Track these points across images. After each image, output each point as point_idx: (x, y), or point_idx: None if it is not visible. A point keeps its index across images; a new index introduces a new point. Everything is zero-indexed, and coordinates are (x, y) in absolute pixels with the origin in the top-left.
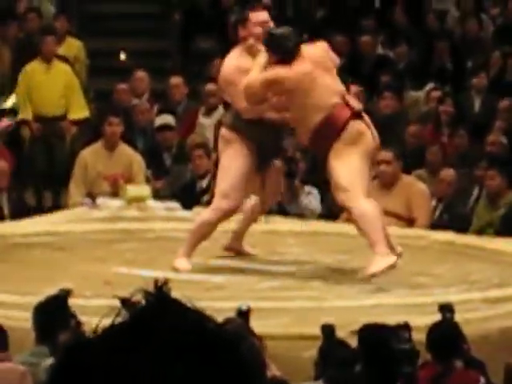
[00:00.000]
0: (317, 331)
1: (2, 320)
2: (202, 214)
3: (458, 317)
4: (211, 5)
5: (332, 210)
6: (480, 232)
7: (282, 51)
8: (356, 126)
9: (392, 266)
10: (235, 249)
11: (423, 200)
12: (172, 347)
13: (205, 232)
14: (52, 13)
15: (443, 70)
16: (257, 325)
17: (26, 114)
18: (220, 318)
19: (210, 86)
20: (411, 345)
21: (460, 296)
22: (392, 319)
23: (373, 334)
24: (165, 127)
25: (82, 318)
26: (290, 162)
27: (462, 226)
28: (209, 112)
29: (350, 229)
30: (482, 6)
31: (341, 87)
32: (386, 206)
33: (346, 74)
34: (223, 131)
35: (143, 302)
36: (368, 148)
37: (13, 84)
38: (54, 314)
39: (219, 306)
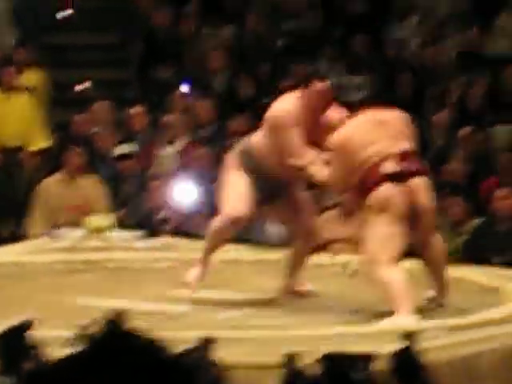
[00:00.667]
0: (278, 360)
1: None
2: (212, 223)
3: (420, 345)
4: (169, 34)
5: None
6: None
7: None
8: (383, 190)
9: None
10: (291, 290)
11: None
12: (128, 378)
13: (217, 242)
14: (12, 44)
15: (403, 98)
16: (218, 354)
17: None
18: (181, 348)
19: (170, 117)
20: (369, 374)
21: (421, 324)
22: (355, 348)
23: (333, 363)
24: (124, 157)
25: (44, 349)
26: None
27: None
28: (169, 142)
29: (313, 257)
30: (441, 35)
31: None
32: (350, 234)
33: None
34: (234, 157)
35: (101, 332)
36: (395, 212)
37: None
38: (16, 345)
39: (180, 336)
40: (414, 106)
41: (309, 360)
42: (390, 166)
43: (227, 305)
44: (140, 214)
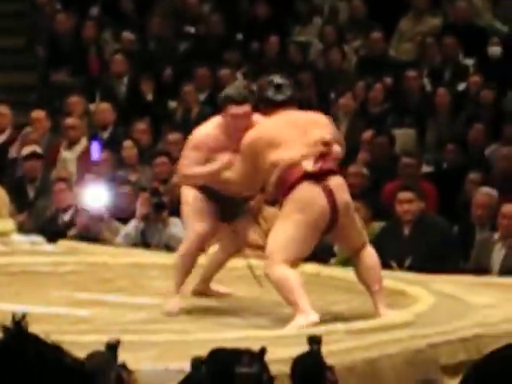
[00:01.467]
0: (182, 364)
1: None
2: (180, 247)
3: (323, 348)
4: (73, 37)
5: None
6: (344, 263)
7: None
8: (304, 189)
9: (313, 324)
10: (203, 292)
11: None
12: (31, 380)
13: (187, 264)
14: None
15: (307, 100)
16: (121, 358)
17: None
18: (86, 352)
19: (70, 120)
20: (256, 369)
21: (324, 327)
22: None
23: (217, 357)
24: (33, 155)
25: None
26: (157, 195)
27: (324, 257)
28: (70, 146)
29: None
30: (344, 38)
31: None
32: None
33: (210, 107)
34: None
35: (2, 335)
36: (314, 217)
37: None
38: None
39: (85, 340)
40: (317, 109)
41: None
42: (308, 165)
43: (131, 308)
44: (42, 218)
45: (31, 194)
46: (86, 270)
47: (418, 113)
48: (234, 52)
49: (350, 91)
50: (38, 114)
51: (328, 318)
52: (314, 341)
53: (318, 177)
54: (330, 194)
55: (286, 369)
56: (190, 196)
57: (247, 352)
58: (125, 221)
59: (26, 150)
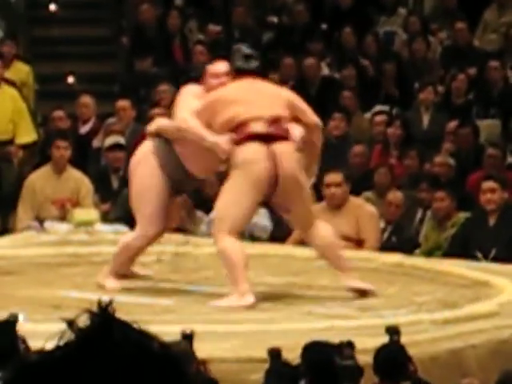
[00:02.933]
0: (265, 354)
1: None
2: (127, 236)
3: (407, 338)
4: (157, 27)
5: (282, 232)
6: (428, 254)
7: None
8: (250, 148)
9: (247, 307)
10: (124, 273)
11: (372, 222)
12: (117, 367)
13: (131, 256)
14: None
15: (391, 91)
16: (205, 348)
17: None
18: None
19: (157, 110)
20: (354, 362)
21: (409, 317)
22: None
23: (316, 350)
24: (116, 146)
25: (32, 343)
26: None
27: (409, 248)
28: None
29: (299, 251)
30: (429, 29)
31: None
32: (335, 228)
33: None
34: (145, 148)
35: (89, 323)
36: (255, 179)
37: None
38: (3, 339)
39: (168, 330)
40: (402, 100)
41: (296, 353)
42: (257, 127)
43: (215, 298)
44: (126, 208)
45: (115, 183)
46: (170, 259)
47: (501, 104)
48: (317, 42)
49: (434, 82)
50: (123, 103)
51: (412, 308)
52: (393, 331)
53: (265, 139)
54: (273, 157)
55: (369, 359)
56: (151, 185)
57: (346, 345)
58: (208, 210)
59: (109, 141)
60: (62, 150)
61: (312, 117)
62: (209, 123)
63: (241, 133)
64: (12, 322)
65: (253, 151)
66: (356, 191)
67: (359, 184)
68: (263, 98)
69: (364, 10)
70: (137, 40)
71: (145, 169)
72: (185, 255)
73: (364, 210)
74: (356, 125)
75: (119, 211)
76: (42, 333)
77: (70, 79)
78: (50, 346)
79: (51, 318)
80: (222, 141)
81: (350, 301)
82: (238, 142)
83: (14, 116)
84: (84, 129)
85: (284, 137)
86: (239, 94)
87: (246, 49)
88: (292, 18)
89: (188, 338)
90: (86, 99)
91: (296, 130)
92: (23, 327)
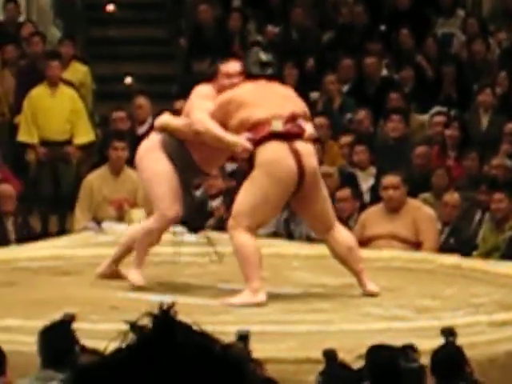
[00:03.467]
0: (319, 355)
1: (7, 344)
2: (145, 223)
3: (465, 340)
4: (216, 28)
5: None
6: (486, 255)
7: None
8: (273, 147)
9: (258, 305)
10: (112, 275)
11: (430, 224)
12: (179, 370)
13: (152, 241)
14: (58, 37)
15: (449, 92)
16: (262, 348)
17: (32, 139)
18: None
19: None
20: (419, 364)
21: (466, 319)
22: (399, 343)
23: (380, 353)
24: None
25: (89, 343)
26: None
27: (467, 250)
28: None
29: None
30: (487, 30)
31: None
32: (393, 230)
33: (353, 96)
34: (151, 138)
35: (150, 325)
36: (282, 177)
37: (17, 109)
38: (59, 339)
39: (226, 330)
40: (460, 101)
41: (353, 355)
42: (277, 125)
43: (272, 299)
44: (186, 207)
45: None
46: (228, 260)
47: None
48: (376, 43)
49: (492, 83)
50: (181, 104)
51: (469, 310)
52: (449, 333)
53: (285, 137)
54: (296, 154)
55: (426, 361)
56: (161, 170)
57: (409, 348)
58: None
59: None
60: (120, 150)
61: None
62: (223, 123)
63: (259, 132)
64: (67, 321)
65: (277, 149)
66: (415, 193)
67: (419, 185)
68: (277, 98)
69: (422, 12)
70: (195, 41)
71: (152, 158)
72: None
73: (422, 212)
74: (414, 126)
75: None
76: (99, 333)
77: (128, 80)
78: (108, 346)
79: (108, 319)
80: (243, 140)
81: (407, 302)
82: (257, 141)
83: (72, 116)
84: (141, 130)
85: (301, 134)
86: (254, 95)
87: (264, 55)
88: (351, 19)
89: (243, 338)
90: (142, 100)
91: (308, 127)
92: (80, 326)
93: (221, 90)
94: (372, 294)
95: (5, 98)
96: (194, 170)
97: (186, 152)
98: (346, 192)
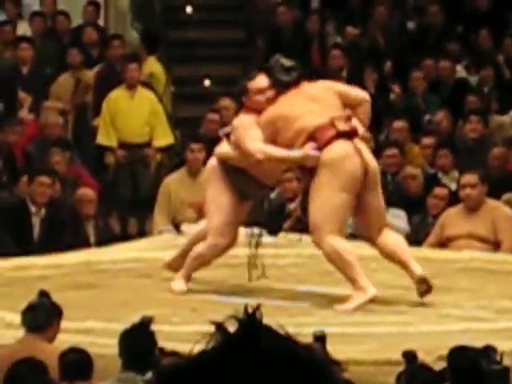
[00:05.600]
0: (399, 357)
1: (88, 347)
2: (201, 245)
3: None
4: (295, 30)
5: (418, 235)
6: None
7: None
8: (339, 146)
9: (370, 300)
10: (177, 267)
11: (509, 224)
12: (265, 373)
13: (202, 263)
14: (137, 40)
15: None
16: (342, 350)
17: (111, 142)
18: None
19: None
20: (502, 365)
21: None
22: (479, 344)
23: (462, 355)
24: None
25: (169, 345)
26: None
27: None
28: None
29: (436, 253)
30: None
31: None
32: (472, 230)
33: (431, 96)
34: (214, 162)
35: (236, 327)
36: (350, 175)
37: (96, 112)
38: (140, 341)
39: (304, 332)
40: None
41: (433, 356)
42: (340, 125)
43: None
44: (266, 209)
45: None
46: (306, 262)
47: None
48: (454, 44)
49: None
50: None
51: None
52: None
53: (349, 136)
54: (360, 152)
55: (508, 362)
56: (216, 193)
57: (491, 349)
58: None
59: None
60: (196, 152)
61: (359, 94)
62: (272, 141)
63: (323, 136)
64: (146, 324)
65: (344, 147)
66: (495, 194)
67: (498, 186)
68: (320, 102)
69: (501, 13)
70: (272, 43)
71: (215, 181)
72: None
73: (501, 212)
74: (493, 127)
75: (256, 214)
76: (179, 335)
77: (206, 82)
78: (187, 348)
79: (189, 321)
80: (310, 150)
81: (487, 303)
82: (323, 145)
83: (150, 119)
84: (223, 131)
85: (356, 133)
86: (296, 105)
87: (285, 61)
88: (428, 20)
89: (320, 339)
90: (227, 102)
91: (358, 126)
92: (161, 328)
93: (256, 106)
94: (423, 279)
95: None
96: (257, 186)
97: (246, 173)
98: (443, 191)
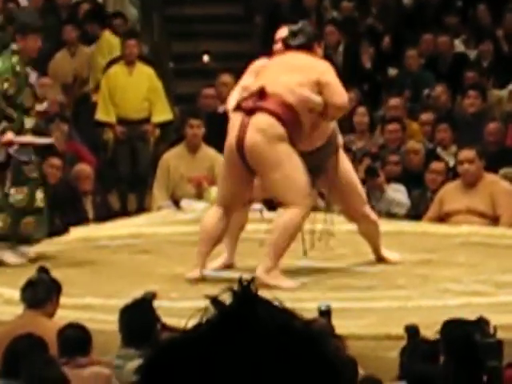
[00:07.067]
0: (402, 331)
1: (88, 323)
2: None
3: None
4: (292, 6)
5: (417, 210)
6: None
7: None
8: (232, 118)
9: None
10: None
11: (507, 198)
12: (260, 344)
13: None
14: (135, 16)
15: None
16: (342, 325)
17: (110, 117)
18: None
19: None
20: (496, 338)
21: None
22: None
23: (456, 328)
24: None
25: (169, 320)
26: (374, 160)
27: None
28: None
29: (435, 228)
30: None
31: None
32: (470, 205)
33: (429, 71)
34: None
35: (231, 300)
36: (226, 147)
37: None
38: (140, 317)
39: (306, 307)
40: None
41: (433, 330)
42: (242, 98)
43: (351, 275)
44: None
45: None
46: (305, 237)
47: None
48: (452, 18)
49: None
50: None
51: None
52: None
53: (247, 111)
54: (242, 129)
55: (507, 335)
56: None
57: (484, 321)
58: None
59: None
60: (196, 128)
61: (340, 98)
62: None
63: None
64: (148, 299)
65: (232, 120)
66: (493, 168)
67: (495, 161)
68: (292, 75)
69: None
70: (271, 18)
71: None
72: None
73: (499, 186)
74: (492, 101)
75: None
76: (179, 310)
77: (205, 58)
78: (187, 323)
79: (188, 296)
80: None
81: (486, 277)
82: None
83: (149, 95)
84: (223, 108)
85: (265, 110)
86: (266, 69)
87: (294, 25)
88: None
89: (325, 314)
90: (227, 78)
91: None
92: (160, 304)
93: (274, 54)
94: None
95: (80, 75)
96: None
97: None
98: (440, 165)
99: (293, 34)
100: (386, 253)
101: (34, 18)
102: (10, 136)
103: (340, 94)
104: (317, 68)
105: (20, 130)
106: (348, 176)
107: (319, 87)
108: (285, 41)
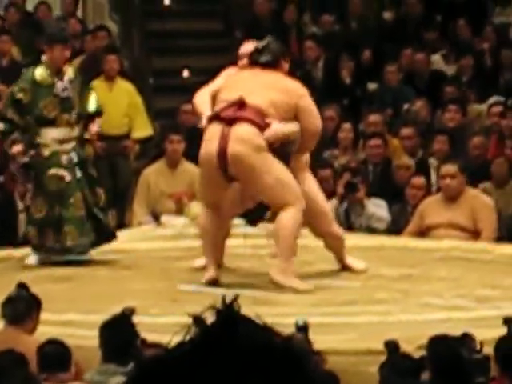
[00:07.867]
0: (383, 346)
1: (68, 339)
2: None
3: None
4: (272, 21)
5: (398, 224)
6: None
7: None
8: (210, 128)
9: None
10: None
11: (488, 213)
12: (242, 364)
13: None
14: (115, 31)
15: (508, 82)
16: (323, 340)
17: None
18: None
19: None
20: (482, 354)
21: None
22: (459, 333)
23: (442, 344)
24: None
25: (150, 336)
26: (354, 174)
27: None
28: None
29: (416, 243)
30: None
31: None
32: (452, 219)
33: (409, 87)
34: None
35: (213, 319)
36: (202, 156)
37: None
38: (120, 333)
39: (285, 322)
40: None
41: (414, 345)
42: (221, 107)
43: (331, 290)
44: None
45: None
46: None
47: None
48: (432, 33)
49: None
50: None
51: None
52: (511, 322)
53: (227, 121)
54: (224, 138)
55: (490, 350)
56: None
57: (470, 338)
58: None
59: None
60: (176, 143)
61: (312, 123)
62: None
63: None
64: (128, 315)
65: (208, 133)
66: (474, 182)
67: (477, 175)
68: (263, 89)
69: (479, 1)
70: (251, 33)
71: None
72: (303, 248)
73: (480, 201)
74: (472, 116)
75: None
76: (159, 326)
77: (185, 73)
78: (171, 340)
79: (169, 312)
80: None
81: (467, 292)
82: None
83: (129, 110)
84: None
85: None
86: (233, 81)
87: (261, 43)
88: (406, 10)
89: (302, 329)
90: None
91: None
92: (140, 319)
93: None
94: None
95: None
96: None
97: None
98: (419, 180)
99: (258, 52)
100: (351, 261)
101: (59, 29)
102: (19, 148)
103: (316, 119)
104: (296, 91)
105: (33, 141)
106: (312, 196)
107: (296, 112)
108: (251, 57)
